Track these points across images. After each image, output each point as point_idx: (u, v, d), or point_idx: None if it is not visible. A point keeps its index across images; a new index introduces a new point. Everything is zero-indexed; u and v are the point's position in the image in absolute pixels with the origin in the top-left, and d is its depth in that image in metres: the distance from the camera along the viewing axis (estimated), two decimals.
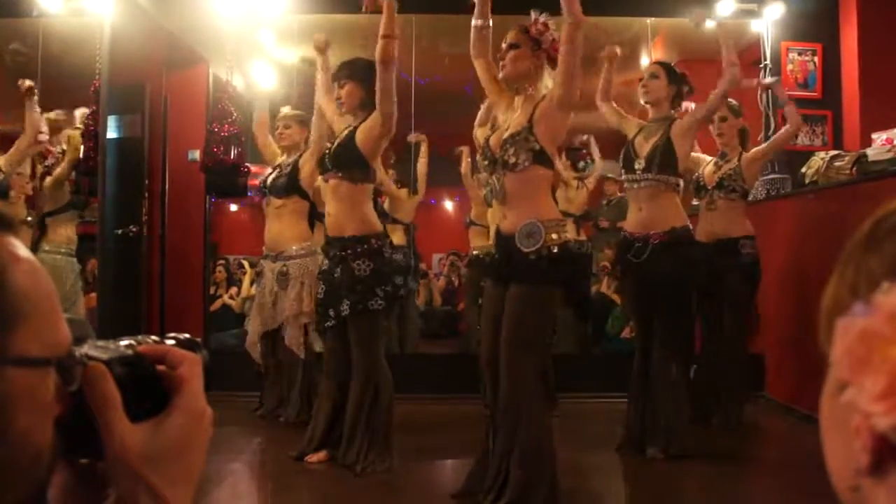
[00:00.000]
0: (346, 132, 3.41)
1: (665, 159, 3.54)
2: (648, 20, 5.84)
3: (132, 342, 0.59)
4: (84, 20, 4.85)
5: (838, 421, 0.44)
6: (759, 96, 5.45)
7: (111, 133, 4.81)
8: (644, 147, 3.62)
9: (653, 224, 3.56)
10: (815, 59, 5.40)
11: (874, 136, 4.06)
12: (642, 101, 3.74)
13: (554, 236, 2.68)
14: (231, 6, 5.24)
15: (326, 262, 3.46)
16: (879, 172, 3.81)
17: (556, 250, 2.66)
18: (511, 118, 2.83)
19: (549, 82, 2.78)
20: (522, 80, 2.82)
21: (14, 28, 5.27)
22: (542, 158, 2.71)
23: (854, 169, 4.07)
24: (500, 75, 2.86)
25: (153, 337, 0.61)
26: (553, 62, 2.77)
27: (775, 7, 5.33)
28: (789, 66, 5.42)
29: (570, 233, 5.69)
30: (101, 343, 0.56)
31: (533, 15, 2.82)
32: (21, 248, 0.51)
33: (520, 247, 2.69)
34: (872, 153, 3.95)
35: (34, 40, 5.12)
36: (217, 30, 5.32)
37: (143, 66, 5.10)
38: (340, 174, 3.34)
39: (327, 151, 3.45)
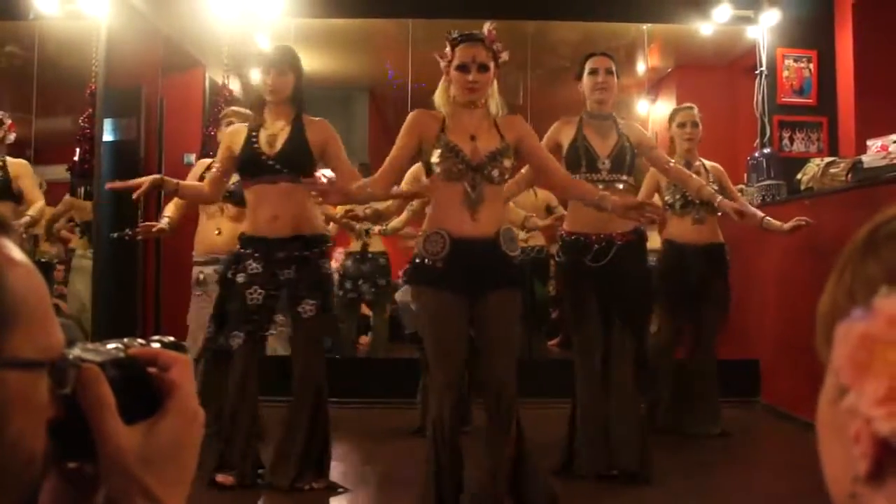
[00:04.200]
0: (288, 131, 3.13)
1: (632, 162, 3.34)
2: (644, 26, 5.86)
3: (120, 345, 0.59)
4: (80, 23, 4.85)
5: (836, 427, 0.44)
6: (755, 102, 5.47)
7: (107, 136, 4.80)
8: (604, 146, 3.31)
9: (615, 223, 3.20)
10: (811, 65, 5.42)
11: (869, 142, 4.06)
12: (598, 98, 3.32)
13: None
14: (227, 10, 5.25)
15: (257, 265, 3.10)
16: (874, 179, 3.82)
17: (521, 256, 2.85)
18: (471, 125, 2.72)
19: (497, 96, 2.76)
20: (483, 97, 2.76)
21: (10, 31, 5.26)
22: (511, 174, 2.87)
23: (849, 175, 4.08)
24: (469, 97, 2.70)
25: (139, 340, 0.61)
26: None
27: (771, 14, 5.36)
28: (785, 73, 5.44)
29: (538, 238, 5.77)
30: (91, 346, 0.56)
31: (486, 28, 2.71)
32: (16, 251, 0.50)
33: (506, 251, 2.68)
34: (867, 160, 3.95)
35: (30, 43, 5.12)
36: (213, 33, 5.33)
37: (139, 70, 5.09)
38: (291, 177, 3.06)
39: (263, 155, 3.09)
